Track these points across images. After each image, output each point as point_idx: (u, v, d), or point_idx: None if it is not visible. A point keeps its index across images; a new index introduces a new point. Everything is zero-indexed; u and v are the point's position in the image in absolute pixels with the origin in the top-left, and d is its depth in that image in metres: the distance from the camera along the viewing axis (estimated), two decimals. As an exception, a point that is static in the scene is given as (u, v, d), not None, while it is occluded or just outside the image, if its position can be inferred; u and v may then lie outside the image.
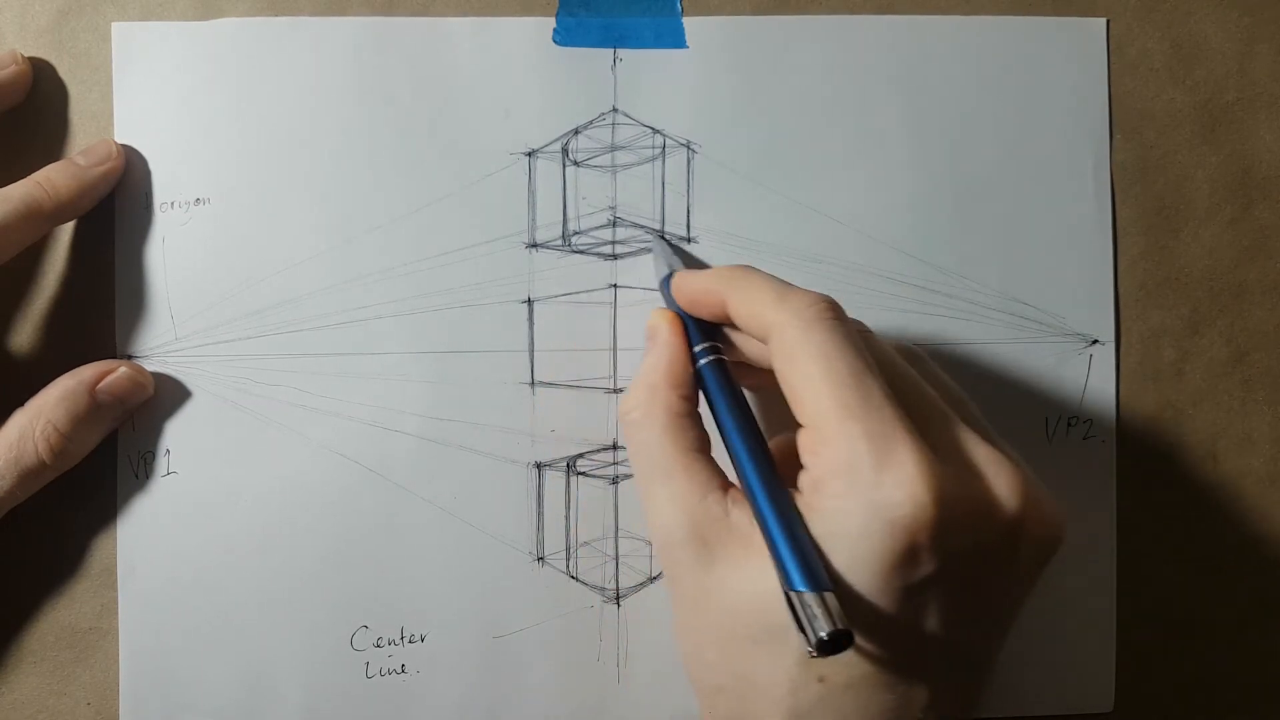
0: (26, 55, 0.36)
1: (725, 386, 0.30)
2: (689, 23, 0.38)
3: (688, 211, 0.38)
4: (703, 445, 0.30)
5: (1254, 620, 0.39)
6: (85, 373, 0.35)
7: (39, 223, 0.34)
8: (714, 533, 0.28)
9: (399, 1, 0.37)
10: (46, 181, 0.35)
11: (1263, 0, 0.39)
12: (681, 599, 0.29)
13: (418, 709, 0.37)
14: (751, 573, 0.27)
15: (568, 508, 0.37)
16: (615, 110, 0.38)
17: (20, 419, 0.34)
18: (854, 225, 0.38)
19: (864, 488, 0.25)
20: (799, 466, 0.28)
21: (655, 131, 0.38)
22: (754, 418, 0.30)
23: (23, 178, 0.35)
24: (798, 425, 0.27)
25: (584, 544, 0.37)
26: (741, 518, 0.28)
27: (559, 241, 0.38)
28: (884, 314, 0.38)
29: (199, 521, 0.36)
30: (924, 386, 0.29)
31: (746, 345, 0.31)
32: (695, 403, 0.31)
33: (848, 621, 0.25)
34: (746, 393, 0.32)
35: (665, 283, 0.33)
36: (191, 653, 0.36)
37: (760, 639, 0.27)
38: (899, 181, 0.38)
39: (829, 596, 0.25)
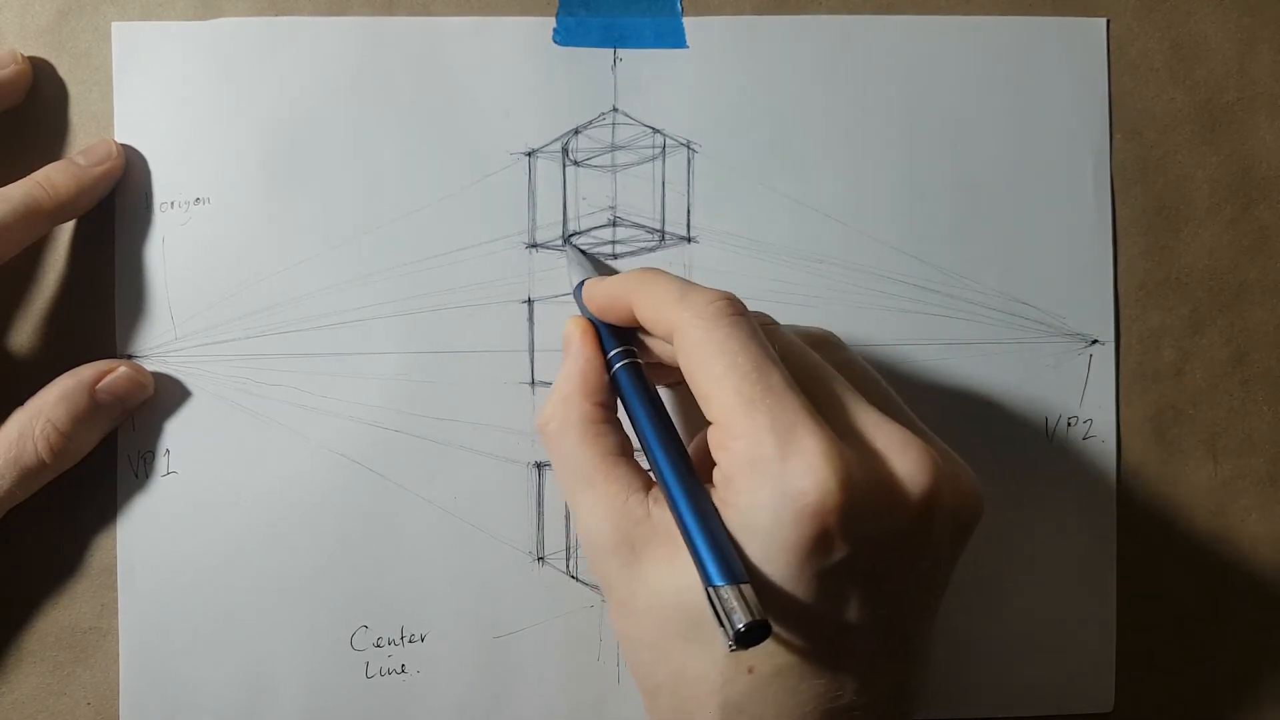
0: (27, 55, 0.36)
1: (639, 389, 0.31)
2: (689, 23, 0.38)
3: (688, 211, 0.38)
4: (622, 449, 0.30)
5: (1254, 620, 0.39)
6: (85, 372, 0.35)
7: (39, 222, 0.34)
8: (638, 534, 0.28)
9: (399, 1, 0.37)
10: (46, 181, 0.35)
11: (1263, 0, 0.39)
12: (615, 603, 0.29)
13: (418, 709, 0.37)
14: (676, 571, 0.27)
15: (567, 507, 0.37)
16: (615, 110, 0.38)
17: (20, 418, 0.34)
18: (854, 225, 0.38)
19: (771, 478, 0.26)
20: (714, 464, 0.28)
21: (655, 131, 0.38)
22: (669, 418, 0.30)
23: (22, 177, 0.35)
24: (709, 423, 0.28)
25: (584, 544, 0.37)
26: (664, 517, 0.28)
27: (559, 241, 0.38)
28: (883, 314, 0.38)
29: (199, 521, 0.36)
30: (829, 373, 0.29)
31: (657, 346, 0.32)
32: (612, 409, 0.31)
33: (765, 612, 0.25)
34: (665, 392, 0.32)
35: (578, 290, 0.34)
36: (192, 652, 0.36)
37: (689, 635, 0.27)
38: (899, 181, 0.38)
39: (745, 589, 0.25)
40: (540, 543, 0.37)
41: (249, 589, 0.36)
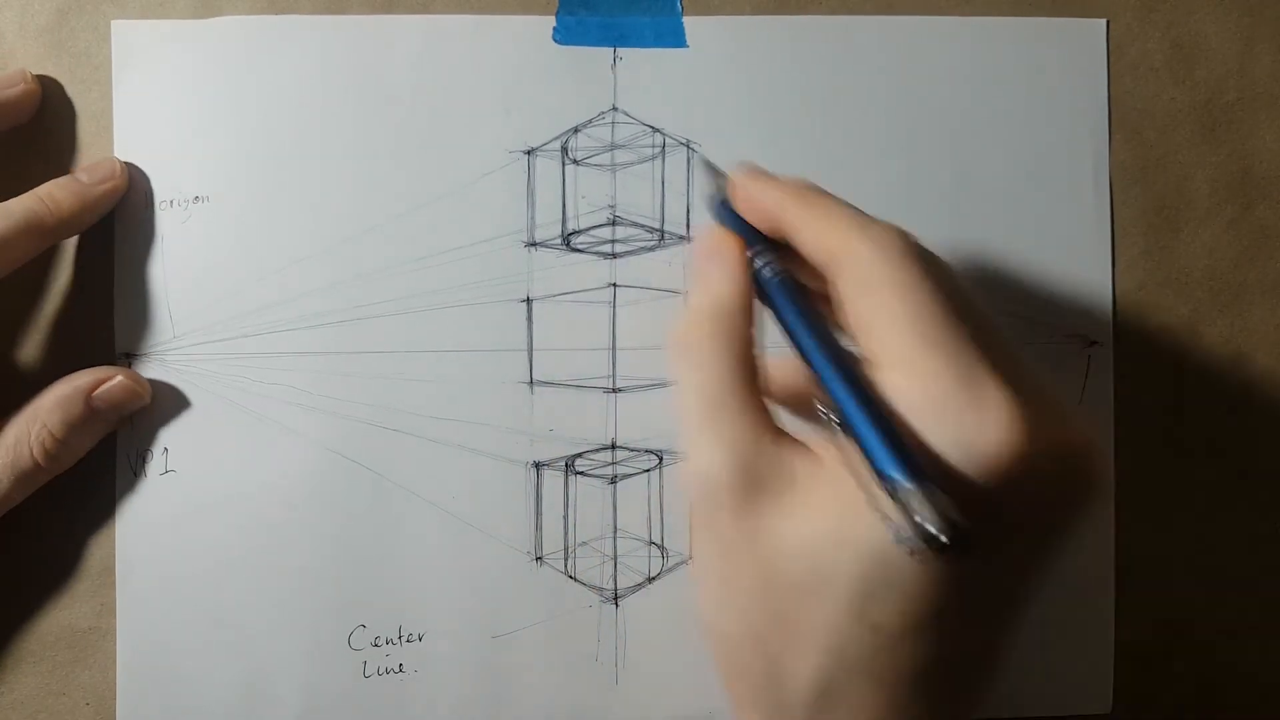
0: (27, 59, 0.36)
1: (800, 294, 0.28)
2: (689, 22, 0.38)
3: (687, 211, 0.38)
4: (761, 384, 0.28)
5: (1254, 621, 0.39)
6: (82, 379, 0.35)
7: (40, 238, 0.35)
8: (768, 474, 0.26)
9: (399, 0, 0.37)
10: (49, 198, 0.35)
11: (1263, 0, 0.39)
12: (717, 545, 0.27)
13: (415, 708, 0.37)
14: (803, 519, 0.26)
15: (566, 507, 0.37)
16: (615, 109, 0.38)
17: (16, 422, 0.34)
18: (853, 225, 0.38)
19: (953, 426, 0.24)
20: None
21: (655, 130, 0.38)
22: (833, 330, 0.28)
23: (21, 175, 0.35)
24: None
25: (582, 544, 0.37)
26: (794, 462, 0.27)
27: (558, 240, 0.38)
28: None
29: (197, 520, 0.36)
30: (998, 327, 0.28)
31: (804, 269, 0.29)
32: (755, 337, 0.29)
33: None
34: None
35: (718, 200, 0.32)
36: (190, 652, 0.36)
37: (807, 585, 0.26)
38: (898, 181, 0.38)
39: (943, 497, 0.23)
40: (539, 543, 0.37)
41: (247, 588, 0.36)
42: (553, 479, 0.37)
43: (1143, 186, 0.38)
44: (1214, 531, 0.39)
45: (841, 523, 0.25)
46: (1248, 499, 0.39)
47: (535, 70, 0.37)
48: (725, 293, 0.29)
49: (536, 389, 0.37)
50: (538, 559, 0.37)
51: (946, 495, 0.23)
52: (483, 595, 0.37)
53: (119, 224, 0.37)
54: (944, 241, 0.38)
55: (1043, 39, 0.38)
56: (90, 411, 0.35)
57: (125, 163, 0.36)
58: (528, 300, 0.37)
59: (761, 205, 0.30)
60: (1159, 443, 0.38)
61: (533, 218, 0.37)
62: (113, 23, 0.37)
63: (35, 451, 0.34)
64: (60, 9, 0.37)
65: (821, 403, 0.26)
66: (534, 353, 0.37)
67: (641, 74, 0.38)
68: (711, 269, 0.30)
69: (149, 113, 0.37)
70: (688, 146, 0.38)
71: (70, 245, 0.37)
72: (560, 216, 0.38)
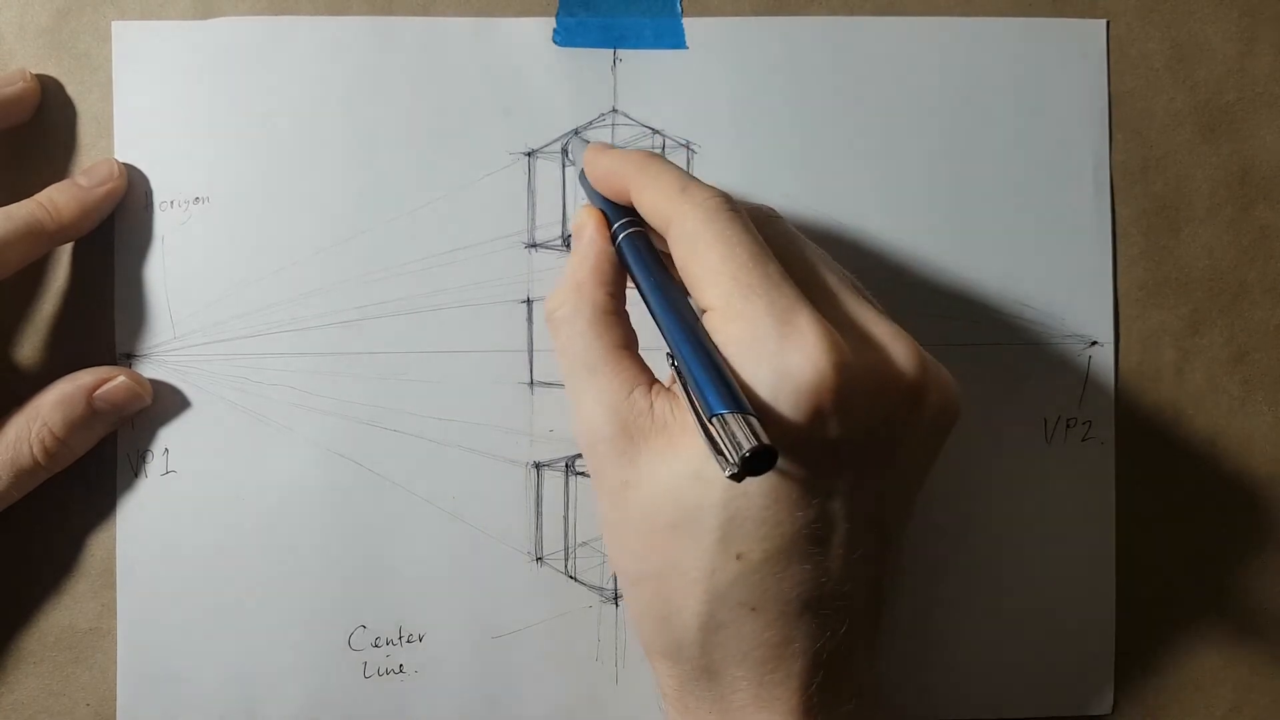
0: (27, 60, 0.36)
1: (646, 252, 0.31)
2: (689, 23, 0.38)
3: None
4: (629, 342, 0.31)
5: (1254, 621, 0.39)
6: (84, 378, 0.35)
7: (40, 243, 0.35)
8: (639, 426, 0.29)
9: (399, 1, 0.37)
10: (49, 203, 0.35)
11: (1263, 0, 0.39)
12: (606, 494, 0.30)
13: (416, 708, 0.37)
14: (671, 461, 0.28)
15: (566, 508, 0.37)
16: (615, 110, 0.38)
17: (17, 420, 0.34)
18: (853, 226, 0.38)
19: (769, 358, 0.26)
20: None
21: (655, 132, 0.38)
22: (675, 279, 0.30)
23: (22, 176, 0.35)
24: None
25: (582, 544, 0.37)
26: (664, 410, 0.29)
27: (558, 241, 0.38)
28: (883, 314, 0.38)
29: (198, 520, 0.36)
30: (823, 266, 0.31)
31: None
32: (623, 300, 0.32)
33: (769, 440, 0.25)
34: None
35: (583, 175, 0.34)
36: (190, 652, 0.36)
37: (679, 523, 0.28)
38: (898, 182, 0.38)
39: (751, 419, 0.25)
40: (539, 543, 0.37)
41: (247, 588, 0.36)
42: (553, 479, 0.37)
43: (1143, 186, 0.38)
44: (1214, 532, 0.39)
45: (702, 462, 0.27)
46: (1248, 499, 0.39)
47: (535, 72, 0.37)
48: (586, 264, 0.31)
49: (536, 389, 0.37)
50: (538, 559, 0.37)
51: (754, 418, 0.25)
52: (483, 595, 0.37)
53: (119, 224, 0.37)
54: (944, 241, 0.38)
55: (1043, 39, 0.38)
56: (91, 411, 0.35)
57: (124, 164, 0.36)
58: (528, 301, 0.37)
59: (606, 176, 0.32)
60: (1159, 443, 0.38)
61: (533, 219, 0.37)
62: (113, 23, 0.37)
63: (35, 450, 0.34)
64: (60, 9, 0.37)
65: (669, 352, 0.29)
66: (534, 353, 0.37)
67: (641, 75, 0.38)
68: (576, 242, 0.33)
69: (149, 113, 0.37)
70: (687, 147, 0.38)
71: (70, 246, 0.37)
72: (560, 218, 0.38)
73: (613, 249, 0.32)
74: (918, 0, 0.38)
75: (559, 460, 0.37)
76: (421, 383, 0.37)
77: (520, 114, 0.37)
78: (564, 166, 0.38)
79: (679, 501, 0.28)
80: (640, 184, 0.31)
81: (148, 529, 0.36)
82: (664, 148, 0.38)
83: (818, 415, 0.26)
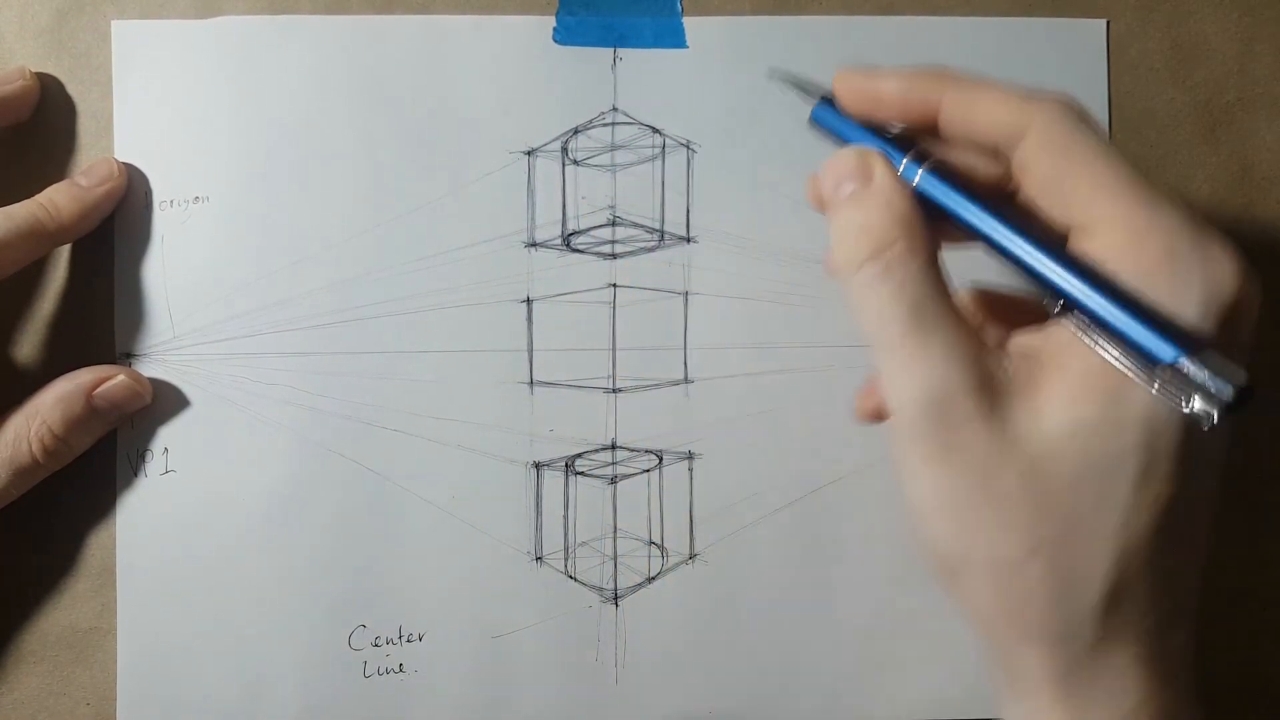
0: (27, 59, 0.37)
1: (967, 183, 0.27)
2: (689, 23, 0.38)
3: (687, 211, 0.38)
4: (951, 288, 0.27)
5: (1253, 620, 0.39)
6: (84, 377, 0.35)
7: (41, 243, 0.35)
8: (1002, 379, 0.25)
9: (398, 0, 0.37)
10: (50, 203, 0.35)
11: (1263, 0, 0.39)
12: (962, 464, 0.25)
13: (415, 708, 0.37)
14: (1060, 412, 0.25)
15: (566, 507, 0.37)
16: (615, 110, 0.38)
17: (16, 418, 0.34)
18: (853, 225, 0.38)
19: (1196, 274, 0.24)
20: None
21: (655, 131, 0.38)
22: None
23: (22, 175, 0.35)
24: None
25: (582, 544, 0.37)
26: (1029, 355, 0.26)
27: (558, 241, 0.38)
28: (883, 314, 0.38)
29: (197, 520, 0.36)
30: None
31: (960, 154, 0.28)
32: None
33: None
34: None
35: (823, 112, 0.29)
36: (190, 652, 0.36)
37: (1085, 477, 0.25)
38: (898, 181, 0.38)
39: (1212, 355, 0.23)
40: (538, 543, 0.37)
41: (247, 588, 0.36)
42: (553, 479, 0.37)
43: (1143, 187, 0.38)
44: (1215, 532, 0.39)
45: (1108, 408, 0.24)
46: (1248, 499, 0.39)
47: (535, 71, 0.37)
48: (894, 209, 0.27)
49: (536, 389, 0.37)
50: (538, 559, 0.37)
51: (1222, 356, 0.23)
52: (483, 595, 0.37)
53: (119, 224, 0.37)
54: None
55: (1043, 39, 0.38)
56: (91, 410, 0.35)
57: (124, 163, 0.36)
58: (528, 300, 0.37)
59: (899, 97, 0.28)
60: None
61: (533, 218, 0.37)
62: (113, 23, 0.37)
63: (34, 448, 0.34)
64: (60, 9, 0.37)
65: (1031, 290, 0.26)
66: (534, 353, 0.37)
67: (641, 74, 0.38)
68: (864, 184, 0.27)
69: (149, 113, 0.37)
70: (687, 147, 0.38)
71: (70, 246, 0.37)
72: (560, 217, 0.38)
73: (908, 186, 0.27)
74: (918, 0, 0.38)
75: (559, 460, 0.37)
76: (421, 382, 0.37)
77: (520, 113, 0.37)
78: (564, 165, 0.38)
79: (1086, 451, 0.24)
80: (968, 94, 0.27)
81: (147, 528, 0.36)
82: (664, 147, 0.38)
83: (1242, 329, 0.24)
